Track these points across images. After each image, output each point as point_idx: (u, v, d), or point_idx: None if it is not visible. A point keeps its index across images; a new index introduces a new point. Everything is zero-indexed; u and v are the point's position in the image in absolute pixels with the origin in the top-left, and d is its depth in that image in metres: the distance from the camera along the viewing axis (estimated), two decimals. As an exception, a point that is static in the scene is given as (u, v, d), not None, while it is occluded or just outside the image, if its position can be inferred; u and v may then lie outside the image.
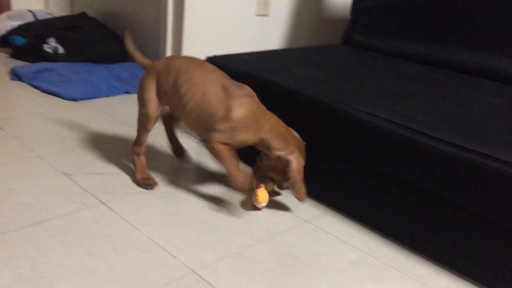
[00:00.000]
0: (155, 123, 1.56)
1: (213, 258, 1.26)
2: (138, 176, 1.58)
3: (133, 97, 2.45)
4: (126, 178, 1.61)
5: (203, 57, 1.99)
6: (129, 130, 2.02)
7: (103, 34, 2.77)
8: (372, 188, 1.47)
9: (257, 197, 1.49)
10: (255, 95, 1.48)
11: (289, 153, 1.41)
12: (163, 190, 1.58)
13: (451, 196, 1.27)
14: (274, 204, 1.56)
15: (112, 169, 1.67)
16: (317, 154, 1.61)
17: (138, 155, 1.59)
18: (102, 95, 2.38)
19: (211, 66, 1.51)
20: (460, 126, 1.37)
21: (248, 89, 1.47)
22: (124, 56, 2.76)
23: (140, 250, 1.26)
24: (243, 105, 1.41)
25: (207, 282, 1.17)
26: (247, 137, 1.41)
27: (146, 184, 1.56)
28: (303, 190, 1.44)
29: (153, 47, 2.62)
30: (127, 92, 2.48)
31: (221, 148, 1.41)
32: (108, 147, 1.84)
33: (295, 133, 1.49)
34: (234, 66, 1.86)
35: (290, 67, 1.87)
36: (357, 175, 1.50)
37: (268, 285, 1.19)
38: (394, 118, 1.39)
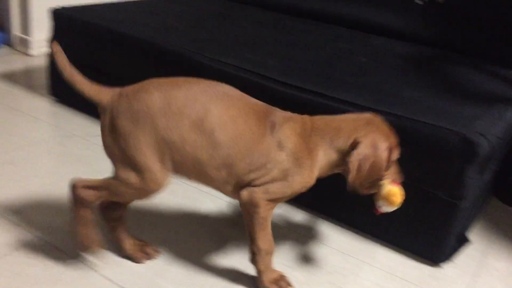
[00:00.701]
0: None
1: (61, 221, 1.20)
2: (130, 249, 1.10)
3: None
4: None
5: (50, 8, 1.83)
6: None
7: None
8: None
9: (393, 197, 1.01)
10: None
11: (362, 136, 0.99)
12: (10, 155, 1.45)
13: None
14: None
15: None
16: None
17: (116, 221, 1.07)
18: None
19: (223, 89, 1.01)
20: (307, 70, 1.42)
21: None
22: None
23: (-23, 221, 1.15)
24: (292, 129, 0.99)
25: (55, 247, 1.11)
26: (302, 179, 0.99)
27: (144, 254, 1.11)
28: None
29: (-4, 0, 2.35)
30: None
31: (268, 210, 0.99)
32: None
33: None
34: (84, 18, 1.74)
35: (145, 18, 1.79)
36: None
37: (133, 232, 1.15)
38: (244, 65, 1.40)
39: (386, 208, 1.02)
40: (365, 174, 0.98)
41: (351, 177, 0.98)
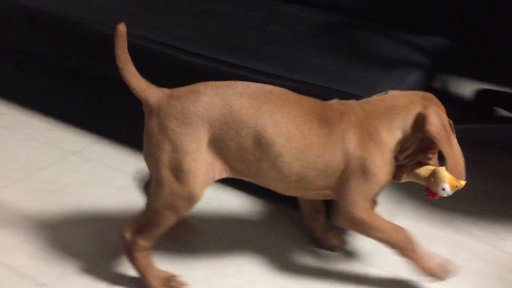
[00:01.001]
0: None
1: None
2: (154, 281, 0.98)
3: None
4: None
5: None
6: None
7: None
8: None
9: (451, 179, 0.96)
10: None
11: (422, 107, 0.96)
12: None
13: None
14: (37, 139, 1.43)
15: None
16: (79, 81, 1.51)
17: (145, 249, 0.96)
18: None
19: (290, 96, 0.97)
20: (217, 40, 1.38)
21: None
22: None
23: None
24: (348, 120, 0.95)
25: None
26: (384, 168, 0.96)
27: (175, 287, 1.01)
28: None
29: None
30: None
31: (368, 214, 0.97)
32: None
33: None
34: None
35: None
36: (124, 102, 1.44)
37: (29, 225, 1.09)
38: (151, 35, 1.34)
39: (449, 191, 0.97)
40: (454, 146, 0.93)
41: (445, 148, 0.91)
